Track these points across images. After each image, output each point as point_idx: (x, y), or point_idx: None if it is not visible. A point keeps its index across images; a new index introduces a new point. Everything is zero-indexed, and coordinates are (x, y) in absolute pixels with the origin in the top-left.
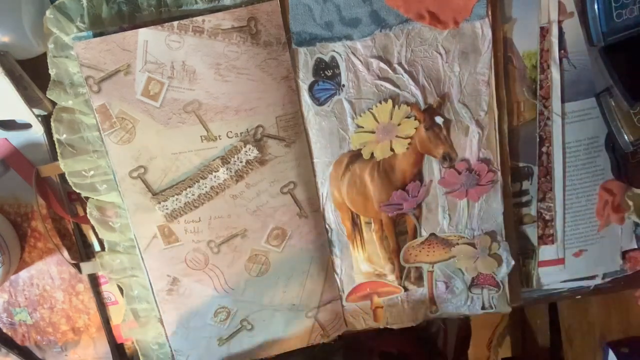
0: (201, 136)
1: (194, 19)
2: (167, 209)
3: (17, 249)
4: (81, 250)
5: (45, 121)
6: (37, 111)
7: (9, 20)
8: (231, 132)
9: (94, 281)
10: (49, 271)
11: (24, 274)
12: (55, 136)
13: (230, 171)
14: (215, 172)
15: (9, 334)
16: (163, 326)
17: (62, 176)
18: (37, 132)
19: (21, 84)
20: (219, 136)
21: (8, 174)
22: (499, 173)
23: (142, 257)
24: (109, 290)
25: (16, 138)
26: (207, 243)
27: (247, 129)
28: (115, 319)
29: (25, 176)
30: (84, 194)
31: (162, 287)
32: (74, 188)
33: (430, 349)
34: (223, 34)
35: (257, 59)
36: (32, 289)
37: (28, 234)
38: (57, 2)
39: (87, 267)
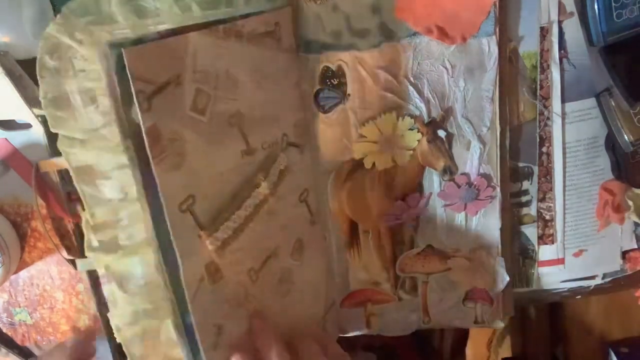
0: (241, 151)
1: (236, 22)
2: (218, 240)
3: (17, 249)
4: (81, 250)
5: (46, 121)
6: (37, 111)
7: (9, 20)
8: (265, 142)
9: (94, 281)
10: (49, 271)
11: (24, 274)
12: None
13: (270, 185)
14: (258, 188)
15: (9, 334)
16: None
17: (62, 175)
18: (37, 132)
19: (21, 84)
20: (256, 149)
21: (8, 174)
22: (498, 189)
23: (191, 310)
24: None
25: (16, 138)
26: (248, 272)
27: (277, 138)
28: None
29: (25, 176)
30: None
31: (209, 343)
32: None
33: (423, 344)
34: (258, 38)
35: (281, 65)
36: (32, 289)
37: (28, 234)
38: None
39: (83, 263)
